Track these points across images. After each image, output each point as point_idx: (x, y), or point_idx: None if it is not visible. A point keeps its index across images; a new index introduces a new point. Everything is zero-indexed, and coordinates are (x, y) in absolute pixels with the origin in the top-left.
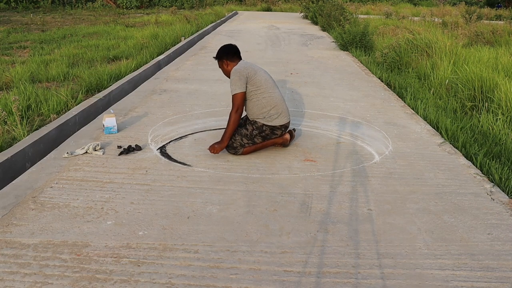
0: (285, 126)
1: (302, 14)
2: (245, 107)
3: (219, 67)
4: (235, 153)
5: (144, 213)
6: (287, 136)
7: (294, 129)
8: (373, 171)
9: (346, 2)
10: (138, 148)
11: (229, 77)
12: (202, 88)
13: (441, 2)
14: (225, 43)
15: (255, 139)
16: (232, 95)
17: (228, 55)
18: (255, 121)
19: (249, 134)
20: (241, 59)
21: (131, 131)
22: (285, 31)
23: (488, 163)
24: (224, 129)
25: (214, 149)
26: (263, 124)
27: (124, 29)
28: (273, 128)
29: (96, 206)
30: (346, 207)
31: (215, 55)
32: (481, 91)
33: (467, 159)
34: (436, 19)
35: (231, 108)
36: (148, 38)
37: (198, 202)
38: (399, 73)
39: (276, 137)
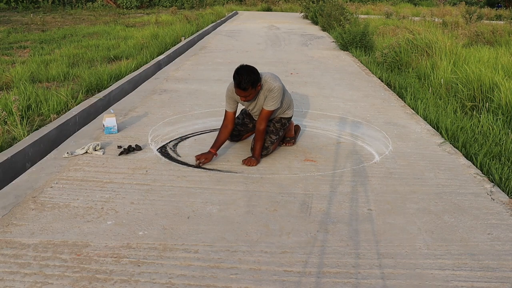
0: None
1: (302, 14)
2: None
3: (248, 96)
4: (266, 154)
5: (144, 213)
6: (292, 122)
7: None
8: (373, 171)
9: (346, 2)
10: (138, 148)
11: (252, 99)
12: (202, 88)
13: (441, 2)
14: (242, 66)
15: (280, 132)
16: (269, 110)
17: (259, 77)
18: (271, 118)
19: (274, 130)
20: None
21: (131, 131)
22: (285, 31)
23: (488, 163)
24: (254, 145)
25: (251, 162)
26: (281, 118)
27: (124, 29)
28: (288, 119)
29: (96, 206)
30: (346, 207)
31: (245, 84)
32: (481, 91)
33: (467, 159)
34: (436, 19)
35: (261, 122)
36: (148, 38)
37: (198, 202)
38: (399, 73)
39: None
